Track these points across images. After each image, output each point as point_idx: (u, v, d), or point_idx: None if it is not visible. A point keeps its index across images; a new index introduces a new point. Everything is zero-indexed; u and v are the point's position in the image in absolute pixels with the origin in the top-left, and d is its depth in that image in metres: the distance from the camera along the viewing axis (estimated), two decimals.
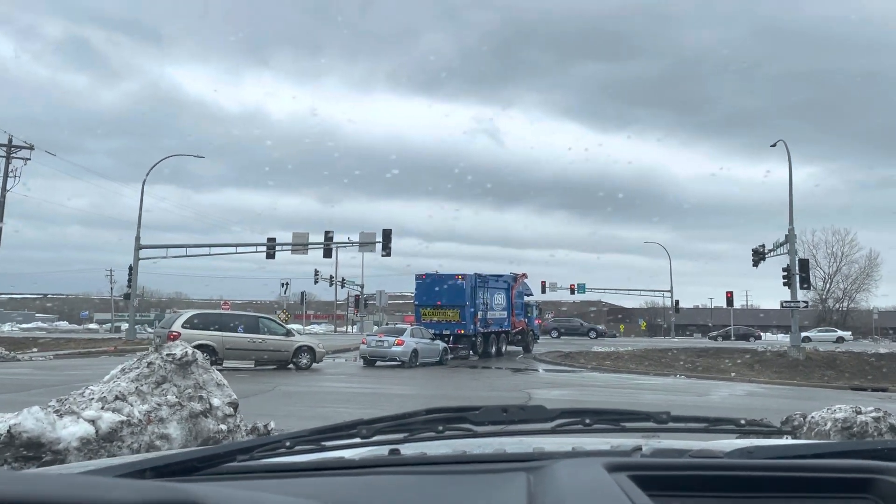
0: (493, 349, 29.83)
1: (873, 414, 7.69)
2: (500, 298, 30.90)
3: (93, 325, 67.35)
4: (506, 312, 31.37)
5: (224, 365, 18.94)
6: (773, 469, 1.23)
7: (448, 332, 27.53)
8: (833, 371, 25.23)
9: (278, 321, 24.16)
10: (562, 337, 52.07)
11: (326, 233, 37.39)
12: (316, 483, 1.27)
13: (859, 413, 7.85)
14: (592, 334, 54.45)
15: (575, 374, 24.72)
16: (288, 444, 1.46)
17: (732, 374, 24.36)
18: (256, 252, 38.39)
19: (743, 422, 1.65)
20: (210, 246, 39.76)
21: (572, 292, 61.28)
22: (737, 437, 1.68)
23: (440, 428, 1.54)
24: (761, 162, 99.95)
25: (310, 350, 21.88)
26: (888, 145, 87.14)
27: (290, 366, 21.34)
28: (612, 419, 1.60)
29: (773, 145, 31.58)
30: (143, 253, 35.95)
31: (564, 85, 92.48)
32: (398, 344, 23.74)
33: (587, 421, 1.57)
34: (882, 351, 30.25)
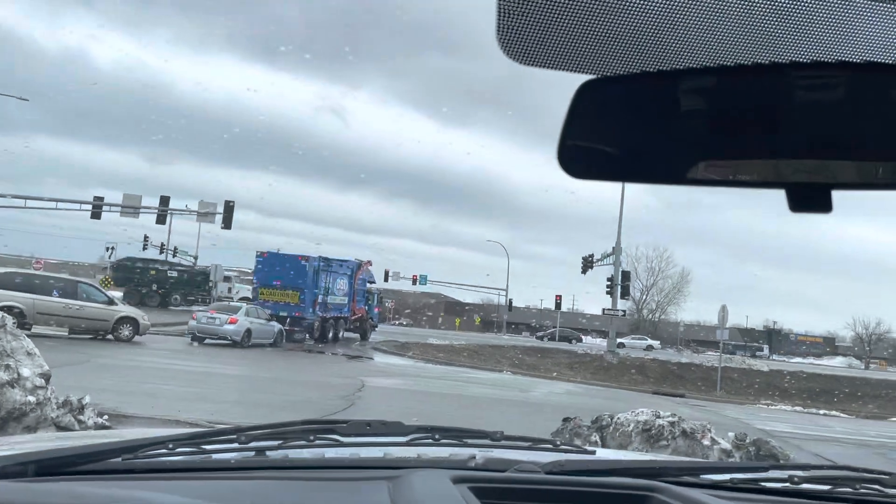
0: (331, 334, 29.64)
1: (669, 419, 8.60)
2: (342, 284, 30.73)
3: None
4: (347, 298, 31.26)
5: (33, 330, 17.32)
6: (577, 485, 1.54)
7: (286, 314, 26.97)
8: (641, 375, 27.66)
9: (99, 288, 22.48)
10: None
11: (162, 198, 35.31)
12: (195, 485, 1.38)
13: (658, 417, 8.74)
14: None
15: (409, 364, 25.20)
16: (171, 445, 1.59)
17: (554, 374, 25.98)
18: (80, 210, 35.43)
19: (559, 442, 2.02)
20: (26, 198, 36.05)
21: (414, 283, 62.19)
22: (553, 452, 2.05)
23: (311, 437, 1.74)
24: None
25: (133, 322, 20.57)
26: None
27: (110, 336, 19.95)
28: (456, 435, 1.90)
29: None
30: None
31: (410, 74, 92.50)
32: (231, 322, 22.91)
33: (436, 436, 1.86)
34: (683, 360, 33.58)
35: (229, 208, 33.55)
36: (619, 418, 8.71)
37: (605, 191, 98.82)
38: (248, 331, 23.27)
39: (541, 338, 62.56)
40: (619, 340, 39.38)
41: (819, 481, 1.86)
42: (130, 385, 12.03)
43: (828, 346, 74.58)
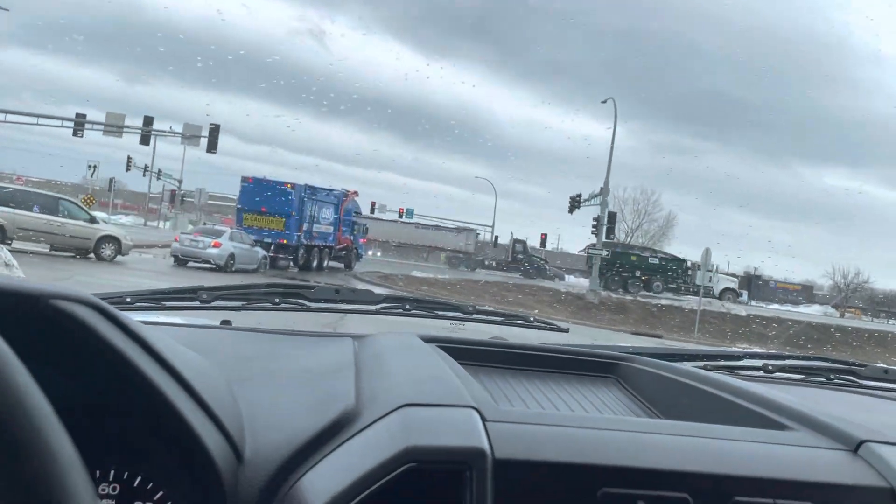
0: (315, 263, 29.60)
1: None
2: (328, 213, 30.53)
3: None
4: (332, 227, 31.11)
5: (13, 245, 17.11)
6: (549, 351, 1.53)
7: (270, 241, 26.82)
8: (621, 315, 28.03)
9: (81, 205, 22.14)
10: None
11: (146, 118, 34.38)
12: (166, 331, 1.31)
13: None
14: None
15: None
16: (129, 299, 1.53)
17: (536, 311, 26.23)
18: (62, 127, 34.56)
19: (532, 318, 1.98)
20: (7, 112, 35.10)
21: (400, 216, 61.88)
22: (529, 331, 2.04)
23: (276, 300, 1.69)
24: (575, 112, 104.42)
25: (115, 241, 20.36)
26: (681, 113, 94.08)
27: (91, 255, 19.77)
28: (428, 307, 1.88)
29: (604, 102, 33.50)
30: None
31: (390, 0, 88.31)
32: (215, 246, 22.75)
33: (407, 306, 1.84)
34: (663, 302, 34.00)
35: (214, 131, 32.87)
36: None
37: (593, 130, 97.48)
38: (232, 255, 23.14)
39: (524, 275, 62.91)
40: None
41: (793, 370, 1.87)
42: None
43: (806, 293, 75.81)
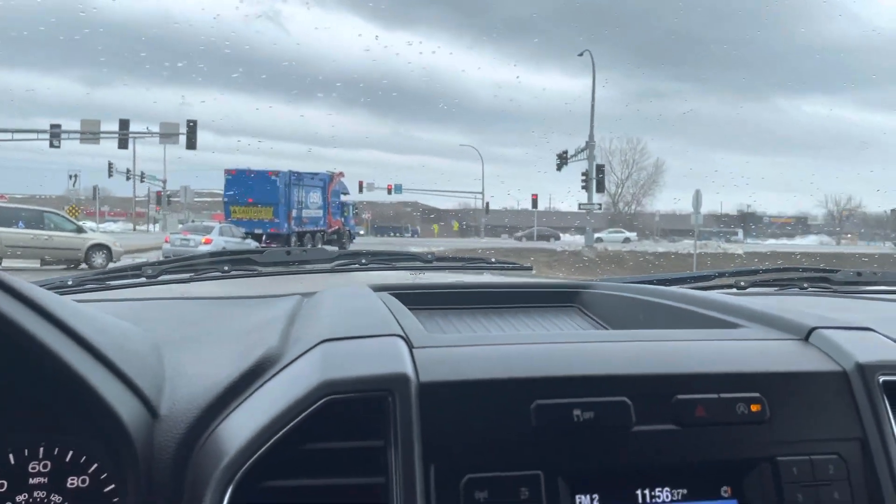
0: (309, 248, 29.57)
1: None
2: (315, 197, 30.41)
3: None
4: (322, 211, 31.00)
5: (4, 264, 17.04)
6: (509, 288, 1.50)
7: (260, 231, 26.77)
8: (618, 267, 28.06)
9: (66, 216, 22.00)
10: None
11: (121, 121, 33.99)
12: (101, 306, 1.29)
13: None
14: None
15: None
16: (70, 282, 1.51)
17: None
18: (38, 139, 34.18)
19: (493, 260, 1.94)
20: None
21: (389, 192, 61.57)
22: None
23: (226, 268, 1.66)
24: (549, 69, 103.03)
25: (105, 248, 20.28)
26: (656, 58, 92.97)
27: (83, 265, 19.69)
28: (385, 259, 1.83)
29: (580, 55, 33.23)
30: None
31: None
32: (206, 242, 22.64)
33: (363, 261, 1.79)
34: (660, 250, 34.09)
35: (192, 128, 32.49)
36: None
37: (571, 85, 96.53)
38: (224, 250, 23.07)
39: (519, 238, 62.90)
40: (596, 235, 39.74)
41: (766, 284, 1.85)
42: None
43: (800, 225, 76.09)
